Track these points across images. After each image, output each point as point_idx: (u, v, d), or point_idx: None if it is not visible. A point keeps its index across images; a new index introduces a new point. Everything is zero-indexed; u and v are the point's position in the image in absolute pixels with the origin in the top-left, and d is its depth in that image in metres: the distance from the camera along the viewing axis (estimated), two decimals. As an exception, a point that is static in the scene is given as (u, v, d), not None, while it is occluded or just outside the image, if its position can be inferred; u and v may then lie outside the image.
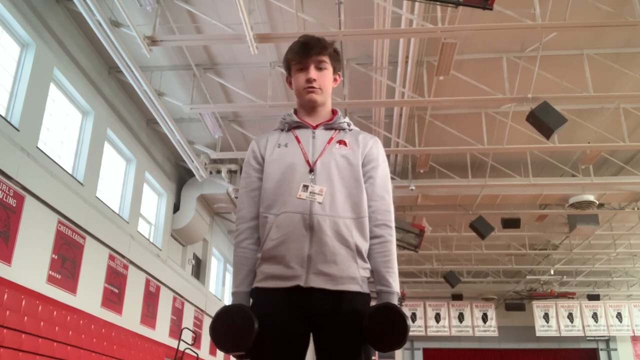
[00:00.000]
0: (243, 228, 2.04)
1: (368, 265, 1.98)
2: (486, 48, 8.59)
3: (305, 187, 1.94)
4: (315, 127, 2.08)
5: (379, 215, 2.01)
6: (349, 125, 2.12)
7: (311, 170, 1.97)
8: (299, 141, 2.04)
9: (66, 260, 7.65)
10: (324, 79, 2.06)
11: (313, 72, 2.04)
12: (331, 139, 2.05)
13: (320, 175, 1.96)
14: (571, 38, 8.11)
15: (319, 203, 1.91)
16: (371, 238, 2.00)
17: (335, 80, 2.12)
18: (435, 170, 11.18)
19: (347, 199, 1.96)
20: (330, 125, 2.08)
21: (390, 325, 1.83)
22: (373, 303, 1.96)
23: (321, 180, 1.95)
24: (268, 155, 2.04)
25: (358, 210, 1.97)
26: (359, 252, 1.94)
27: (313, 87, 2.04)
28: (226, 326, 1.90)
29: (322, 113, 2.11)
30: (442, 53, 7.41)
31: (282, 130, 2.12)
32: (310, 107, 2.09)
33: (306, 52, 2.04)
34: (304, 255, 1.88)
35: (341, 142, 2.05)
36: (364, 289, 1.95)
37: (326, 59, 2.06)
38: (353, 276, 1.91)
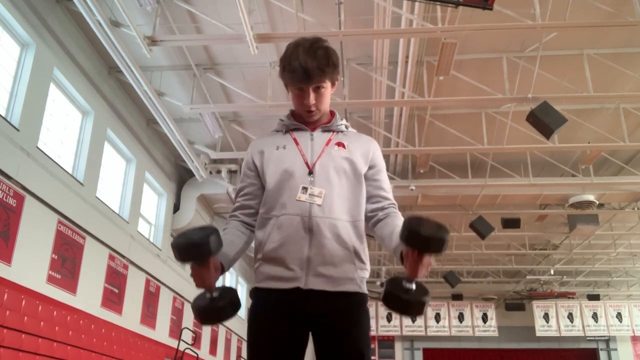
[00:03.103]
0: (235, 219, 2.09)
1: (365, 266, 2.01)
2: (486, 48, 8.59)
3: (305, 189, 1.95)
4: (313, 130, 2.08)
5: (393, 207, 2.09)
6: (347, 127, 2.13)
7: (310, 172, 1.98)
8: (297, 143, 2.04)
9: (66, 260, 7.65)
10: (322, 98, 2.01)
11: (312, 98, 1.98)
12: (329, 140, 2.05)
13: (319, 178, 1.97)
14: (571, 38, 8.11)
15: (318, 205, 1.92)
16: (383, 218, 2.04)
17: (332, 87, 2.06)
18: (435, 170, 11.18)
19: (345, 201, 1.98)
20: (328, 127, 2.08)
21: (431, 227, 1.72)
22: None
23: (320, 183, 1.96)
24: (266, 159, 2.04)
25: (355, 213, 1.99)
26: (356, 254, 1.96)
27: (311, 110, 2.02)
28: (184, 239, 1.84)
29: (320, 116, 2.10)
30: (442, 53, 7.41)
31: (279, 132, 2.12)
32: None
33: (304, 81, 1.95)
34: (303, 257, 1.90)
35: (340, 144, 2.05)
36: (362, 289, 1.98)
37: (325, 79, 1.97)
38: (351, 277, 1.94)
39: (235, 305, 1.87)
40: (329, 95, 2.04)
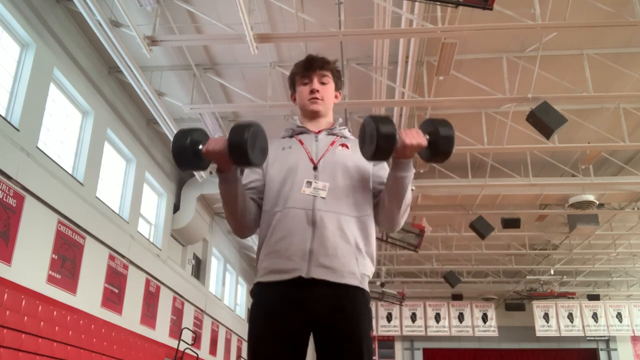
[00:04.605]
0: None
1: (367, 264, 2.01)
2: (486, 48, 8.60)
3: (309, 183, 2.00)
4: (317, 133, 2.18)
5: None
6: (349, 131, 2.25)
7: (315, 168, 2.04)
8: (302, 143, 2.13)
9: (66, 260, 7.65)
10: (327, 92, 2.21)
11: (316, 84, 2.18)
12: (333, 142, 2.15)
13: (323, 173, 2.03)
14: (571, 38, 8.11)
15: (322, 198, 1.97)
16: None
17: (336, 97, 2.27)
18: (435, 170, 11.19)
19: (348, 196, 2.01)
20: (331, 131, 2.20)
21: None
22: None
23: (324, 177, 2.02)
24: (272, 158, 2.10)
25: (359, 209, 2.02)
26: (359, 250, 1.98)
27: (316, 98, 2.16)
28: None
29: (324, 122, 2.23)
30: (442, 53, 7.41)
31: (285, 137, 2.22)
32: (313, 117, 2.21)
33: (310, 65, 2.19)
34: (305, 249, 1.92)
35: (343, 145, 2.15)
36: (364, 285, 1.99)
37: (328, 74, 2.21)
38: (353, 271, 1.95)
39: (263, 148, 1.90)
40: (332, 93, 2.23)
